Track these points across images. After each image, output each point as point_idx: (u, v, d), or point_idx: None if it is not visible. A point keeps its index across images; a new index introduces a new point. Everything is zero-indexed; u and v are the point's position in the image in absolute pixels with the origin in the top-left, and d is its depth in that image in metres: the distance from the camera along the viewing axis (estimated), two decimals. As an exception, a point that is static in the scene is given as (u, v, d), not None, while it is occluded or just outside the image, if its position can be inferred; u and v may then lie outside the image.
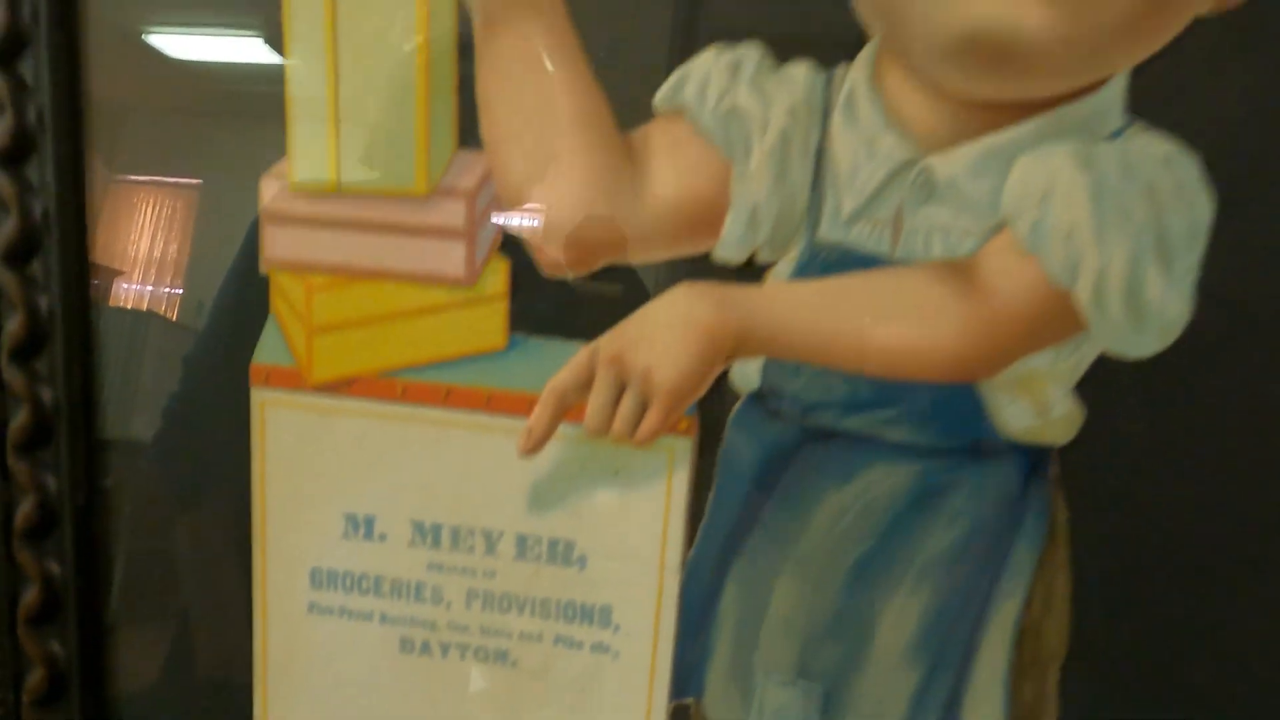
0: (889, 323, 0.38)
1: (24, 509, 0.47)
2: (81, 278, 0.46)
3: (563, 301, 0.41)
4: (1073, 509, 0.39)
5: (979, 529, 0.40)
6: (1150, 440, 0.38)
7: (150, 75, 0.46)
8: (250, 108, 0.44)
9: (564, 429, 0.41)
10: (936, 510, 0.40)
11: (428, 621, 0.46)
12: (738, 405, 0.41)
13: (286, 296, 0.44)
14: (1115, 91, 0.36)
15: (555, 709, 0.45)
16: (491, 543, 0.44)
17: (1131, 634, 0.40)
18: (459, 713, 0.46)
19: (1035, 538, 0.39)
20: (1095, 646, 0.40)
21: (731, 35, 0.39)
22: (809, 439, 0.41)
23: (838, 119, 0.38)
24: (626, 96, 0.40)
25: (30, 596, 0.48)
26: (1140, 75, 0.35)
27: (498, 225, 0.41)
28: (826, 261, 0.39)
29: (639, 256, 0.40)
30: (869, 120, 0.38)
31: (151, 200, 0.48)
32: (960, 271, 0.37)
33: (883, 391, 0.39)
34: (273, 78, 0.42)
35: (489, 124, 0.40)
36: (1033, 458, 0.39)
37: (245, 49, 0.45)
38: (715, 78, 0.38)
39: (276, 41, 0.42)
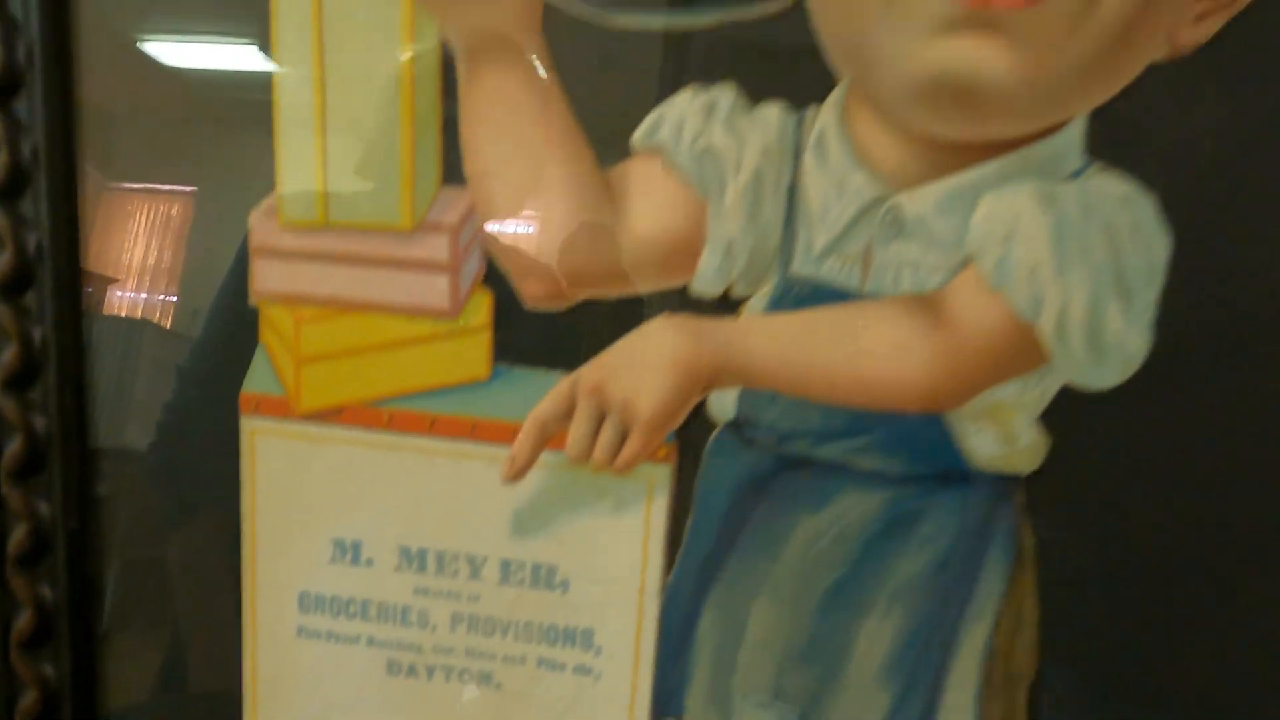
0: (860, 355, 0.39)
1: (17, 535, 0.48)
2: (74, 306, 0.47)
3: (544, 333, 0.43)
4: (1038, 535, 0.40)
5: (949, 554, 0.41)
6: (1112, 468, 0.39)
7: (145, 83, 0.47)
8: (245, 115, 0.44)
9: (546, 457, 0.42)
10: (907, 536, 0.41)
11: (414, 645, 0.47)
12: (715, 434, 0.42)
13: (275, 327, 0.45)
14: (1075, 133, 0.37)
15: (538, 730, 0.46)
16: (476, 567, 0.45)
17: (1098, 654, 0.41)
18: (444, 734, 0.47)
19: (1003, 563, 0.40)
20: (1062, 667, 0.41)
21: (712, 77, 0.40)
22: (784, 467, 0.42)
23: (809, 158, 0.40)
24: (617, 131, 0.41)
25: (23, 621, 0.49)
26: (1098, 118, 0.37)
27: (480, 259, 0.42)
28: (799, 295, 0.40)
29: (618, 290, 0.41)
30: (839, 160, 0.39)
31: (146, 208, 0.49)
32: (928, 306, 0.39)
33: (855, 421, 0.40)
34: (267, 85, 0.42)
35: (472, 162, 0.42)
36: (1000, 485, 0.40)
37: (240, 57, 0.45)
38: (690, 118, 0.40)
39: (270, 49, 0.42)
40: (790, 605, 0.42)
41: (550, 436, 0.42)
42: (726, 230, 0.40)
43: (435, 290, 0.43)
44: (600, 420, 0.41)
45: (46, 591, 0.49)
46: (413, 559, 0.46)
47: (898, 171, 0.39)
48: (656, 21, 0.39)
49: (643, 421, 0.40)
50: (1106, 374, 0.37)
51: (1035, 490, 0.40)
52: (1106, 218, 0.36)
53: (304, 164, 0.43)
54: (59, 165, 0.46)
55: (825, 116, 0.39)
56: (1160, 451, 0.39)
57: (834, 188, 0.39)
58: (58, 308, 0.47)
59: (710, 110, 0.39)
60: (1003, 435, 0.39)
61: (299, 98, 0.42)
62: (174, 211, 0.48)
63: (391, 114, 0.42)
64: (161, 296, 0.49)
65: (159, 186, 0.49)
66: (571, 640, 0.45)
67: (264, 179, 0.44)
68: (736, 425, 0.42)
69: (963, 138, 0.37)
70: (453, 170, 0.42)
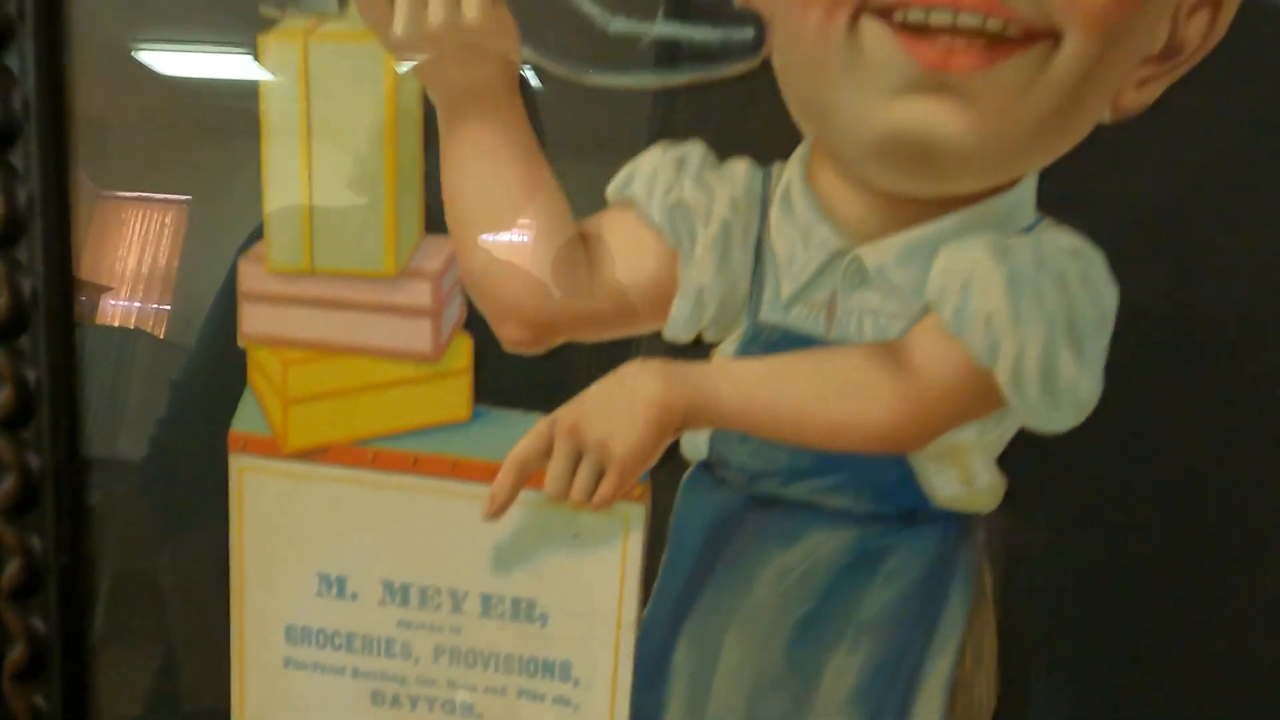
0: (826, 399, 0.41)
1: (10, 570, 0.49)
2: (69, 347, 0.49)
3: (523, 376, 0.44)
4: (997, 572, 0.42)
5: (913, 590, 0.42)
6: (1067, 509, 0.41)
7: (138, 91, 0.48)
8: (239, 124, 0.45)
9: (525, 495, 0.44)
10: (873, 572, 0.42)
11: (398, 676, 0.48)
12: (688, 473, 0.44)
13: (263, 369, 0.47)
14: (1027, 190, 0.39)
15: (519, 759, 0.48)
16: (458, 601, 0.47)
17: (1056, 688, 0.43)
18: (427, 763, 0.48)
19: (964, 598, 0.42)
20: (1022, 700, 0.42)
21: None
22: (754, 505, 0.43)
23: (775, 211, 0.41)
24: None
25: (16, 653, 0.50)
26: (1049, 176, 0.38)
27: (461, 305, 0.44)
28: (768, 341, 0.42)
29: (593, 335, 0.43)
30: (804, 213, 0.41)
31: (139, 216, 0.49)
32: (891, 352, 0.40)
33: (822, 462, 0.42)
34: (260, 95, 0.43)
35: (453, 211, 0.43)
36: (961, 524, 0.42)
37: (233, 65, 0.46)
38: (662, 172, 0.41)
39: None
40: (761, 638, 0.44)
41: (529, 475, 0.43)
42: (697, 279, 0.42)
43: (418, 334, 0.45)
44: (577, 460, 0.42)
45: (39, 625, 0.50)
46: (396, 593, 0.47)
47: (860, 224, 0.40)
48: (630, 81, 0.40)
49: (618, 461, 0.42)
50: (1060, 418, 0.39)
51: (994, 529, 0.41)
52: (1058, 269, 0.38)
53: (291, 212, 0.44)
54: (51, 147, 0.46)
55: (790, 172, 0.41)
56: (1112, 495, 0.40)
57: (800, 239, 0.41)
58: (50, 345, 0.48)
59: (681, 165, 0.41)
60: (963, 476, 0.41)
61: (286, 148, 0.44)
62: (167, 220, 0.49)
63: (376, 165, 0.43)
64: (155, 305, 0.50)
65: (152, 195, 0.50)
66: (550, 672, 0.47)
67: (257, 188, 0.44)
68: (709, 465, 0.44)
69: (921, 193, 0.39)
70: (434, 219, 0.44)
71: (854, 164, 0.39)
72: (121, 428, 0.50)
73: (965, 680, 0.42)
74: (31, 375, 0.48)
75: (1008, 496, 0.41)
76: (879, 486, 0.42)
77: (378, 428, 0.46)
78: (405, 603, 0.47)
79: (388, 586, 0.47)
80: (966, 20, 0.35)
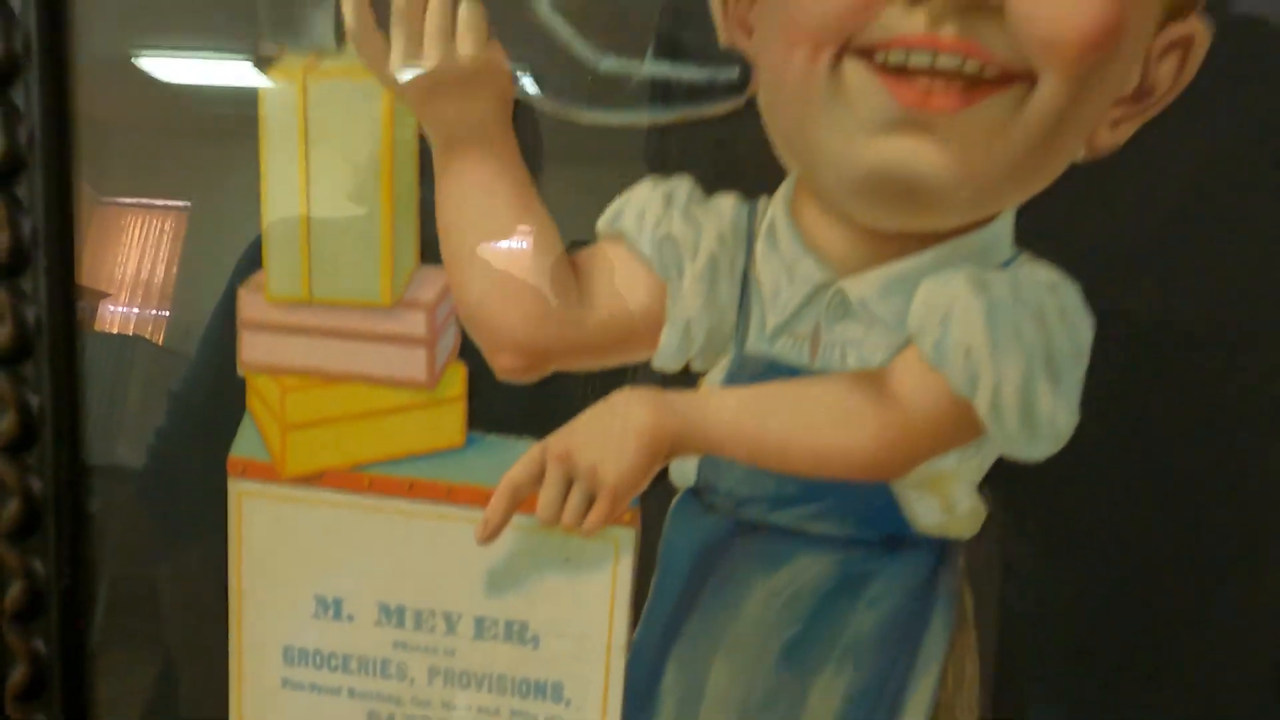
0: (810, 427, 0.42)
1: (12, 593, 0.50)
2: (72, 372, 0.50)
3: (515, 403, 0.45)
4: (977, 596, 0.43)
5: (896, 613, 0.43)
6: (1045, 535, 0.42)
7: (139, 97, 0.48)
8: (239, 130, 0.45)
9: (518, 519, 0.45)
10: (857, 596, 0.43)
11: (393, 697, 0.49)
12: (676, 499, 0.45)
13: (262, 396, 0.48)
14: (1005, 225, 0.40)
15: (511, 779, 0.48)
16: (452, 623, 0.48)
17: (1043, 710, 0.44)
18: (422, 782, 0.49)
19: (946, 622, 0.43)
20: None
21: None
22: (741, 531, 0.44)
23: (761, 245, 0.42)
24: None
25: (18, 675, 0.51)
26: (1026, 212, 0.40)
27: (455, 334, 0.45)
28: (754, 371, 0.43)
29: (583, 364, 0.44)
30: (788, 247, 0.42)
31: (139, 222, 0.50)
32: (873, 382, 0.41)
33: (807, 488, 0.43)
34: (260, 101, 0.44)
35: (447, 243, 0.44)
36: (942, 550, 0.43)
37: (234, 72, 0.47)
38: (651, 207, 0.42)
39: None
40: (748, 661, 0.45)
41: (522, 500, 0.44)
42: (685, 310, 0.43)
43: (413, 363, 0.46)
44: (569, 485, 0.43)
45: (40, 646, 0.51)
46: (392, 615, 0.48)
47: (843, 258, 0.41)
48: (619, 118, 0.42)
49: (609, 487, 0.43)
50: (1038, 447, 0.40)
51: (974, 555, 0.42)
52: (1035, 303, 0.39)
53: (290, 243, 0.45)
54: (54, 151, 0.47)
55: (776, 207, 0.42)
56: (1087, 523, 0.41)
57: (784, 272, 0.42)
58: (54, 374, 0.49)
59: (669, 199, 0.42)
60: (943, 503, 0.42)
61: (286, 181, 0.45)
62: (167, 226, 0.50)
63: (372, 199, 0.44)
64: (154, 311, 0.50)
65: (152, 201, 0.50)
66: (542, 693, 0.47)
67: (256, 193, 0.45)
68: (697, 491, 0.45)
69: (902, 228, 0.40)
70: (429, 250, 0.45)
71: (837, 199, 0.40)
72: (120, 435, 0.51)
73: (947, 702, 0.43)
74: (35, 400, 0.49)
75: (987, 523, 0.42)
76: (862, 513, 0.43)
77: (374, 453, 0.47)
78: (400, 624, 0.48)
79: (383, 608, 0.48)
80: (945, 62, 0.36)
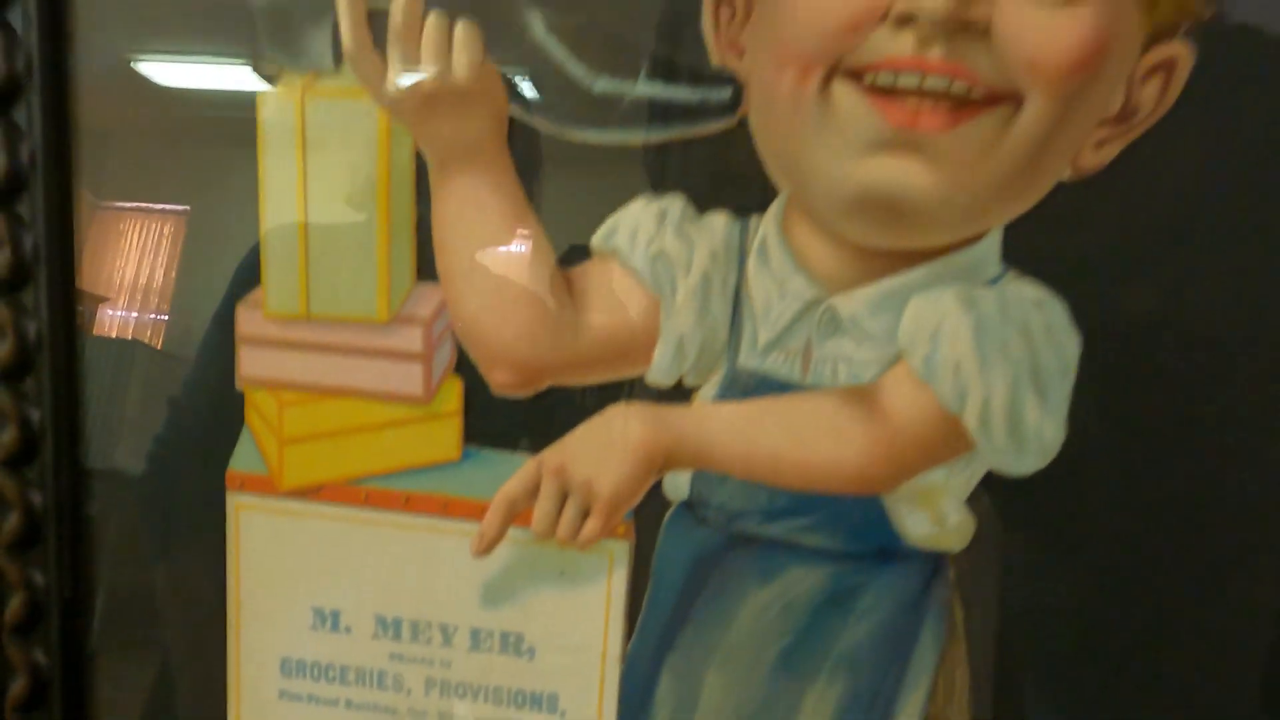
0: (801, 442, 0.42)
1: (13, 604, 0.51)
2: (73, 388, 0.50)
3: (511, 418, 0.46)
4: (967, 608, 0.43)
5: (887, 626, 0.44)
6: (1032, 549, 0.42)
7: (136, 101, 0.49)
8: (237, 134, 0.45)
9: (513, 532, 0.45)
10: (849, 608, 0.44)
11: (389, 708, 0.49)
12: (670, 512, 0.45)
13: (260, 410, 0.48)
14: (992, 243, 0.41)
15: (507, 789, 0.49)
16: (448, 635, 0.48)
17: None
18: (418, 793, 0.50)
19: (936, 633, 0.44)
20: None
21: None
22: (734, 543, 0.45)
23: (753, 262, 0.43)
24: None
25: (18, 686, 0.51)
26: (1013, 230, 0.40)
27: (451, 349, 0.46)
28: (746, 386, 0.43)
29: (577, 379, 0.45)
30: (780, 264, 0.42)
31: (138, 226, 0.50)
32: (864, 397, 0.42)
33: (798, 502, 0.43)
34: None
35: (443, 260, 0.45)
36: (932, 562, 0.43)
37: (231, 76, 0.47)
38: (644, 225, 0.43)
39: (263, 69, 0.45)
40: (741, 672, 0.45)
41: (517, 514, 0.45)
42: (678, 326, 0.43)
43: (410, 378, 0.46)
44: (563, 499, 0.44)
45: (40, 657, 0.52)
46: (388, 627, 0.49)
47: (833, 275, 0.42)
48: (612, 137, 0.42)
49: (603, 500, 0.43)
50: (1026, 461, 0.41)
51: (964, 567, 0.43)
52: (1023, 319, 0.40)
53: (288, 260, 0.46)
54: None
55: (767, 225, 0.43)
56: (1072, 537, 0.42)
57: (776, 289, 0.43)
58: (54, 389, 0.49)
59: (662, 217, 0.43)
60: (933, 516, 0.43)
61: (284, 199, 0.46)
62: (166, 230, 0.50)
63: (369, 216, 0.45)
64: (153, 315, 0.50)
65: (151, 205, 0.50)
66: (538, 704, 0.48)
67: (254, 197, 0.46)
68: (690, 504, 0.45)
69: (891, 246, 0.41)
70: (426, 267, 0.45)
71: (827, 218, 0.41)
72: (120, 441, 0.51)
73: (938, 713, 0.44)
74: (35, 415, 0.49)
75: (976, 536, 0.42)
76: (853, 526, 0.43)
77: (371, 467, 0.47)
78: (397, 636, 0.49)
79: (380, 621, 0.49)
80: (933, 83, 0.37)
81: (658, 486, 0.45)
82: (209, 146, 0.49)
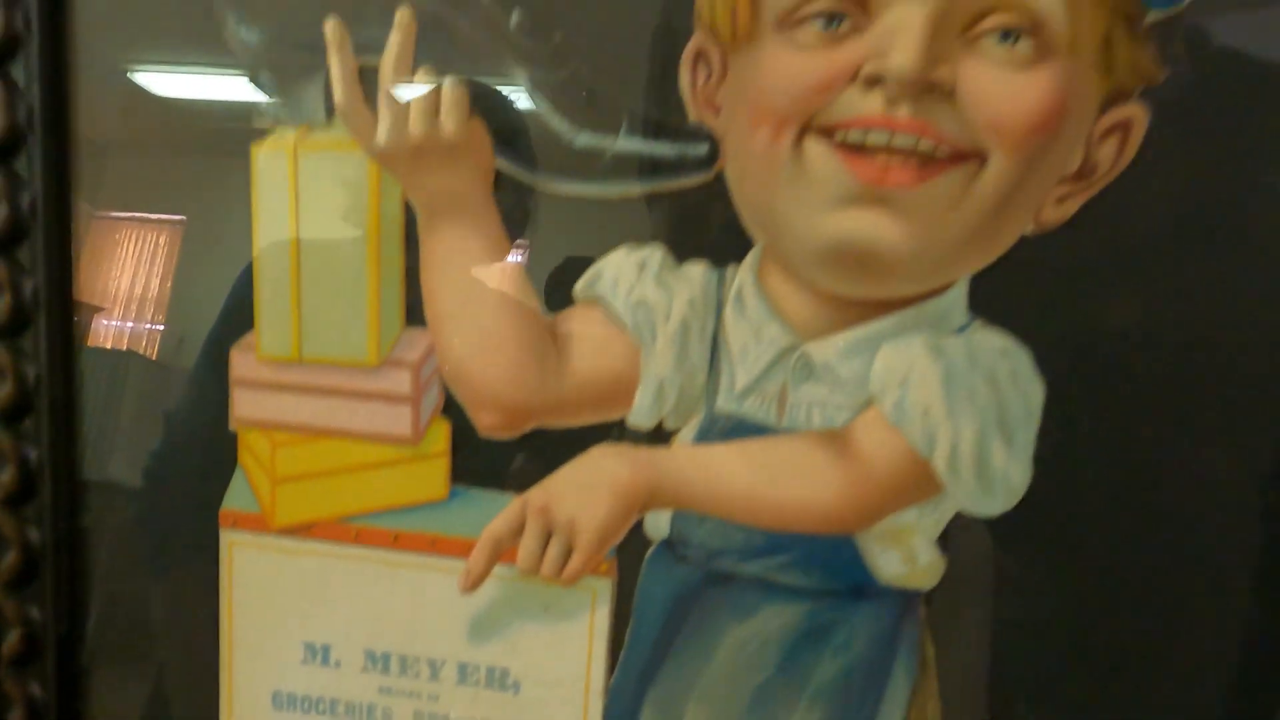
0: (777, 483, 0.44)
1: (10, 640, 0.52)
2: (70, 429, 0.51)
3: (497, 459, 0.47)
4: (938, 644, 0.45)
5: (860, 661, 0.45)
6: (1000, 586, 0.44)
7: (132, 112, 0.49)
8: (233, 144, 0.46)
9: (499, 569, 0.46)
10: (824, 644, 0.45)
11: (379, 740, 0.51)
12: (651, 550, 0.47)
13: (253, 450, 0.49)
14: (959, 293, 0.42)
15: (493, 820, 0.50)
16: (436, 670, 0.49)
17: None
18: (406, 824, 0.51)
19: (909, 669, 0.45)
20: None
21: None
22: (713, 581, 0.46)
23: (730, 310, 0.44)
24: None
25: (15, 718, 0.52)
26: (979, 281, 0.42)
27: (439, 392, 0.47)
28: (724, 429, 0.45)
29: (561, 422, 0.46)
30: (756, 312, 0.44)
31: (134, 237, 0.51)
32: (837, 440, 0.43)
33: (774, 541, 0.45)
34: (256, 116, 0.46)
35: (431, 306, 0.46)
36: (905, 600, 0.45)
37: (227, 87, 0.48)
38: (625, 273, 0.44)
39: (260, 80, 0.46)
40: (721, 705, 0.47)
41: (503, 551, 0.46)
42: (658, 371, 0.45)
43: (399, 419, 0.48)
44: (547, 537, 0.45)
45: (37, 690, 0.53)
46: (377, 661, 0.50)
47: (808, 323, 0.43)
48: (594, 190, 0.44)
49: (586, 539, 0.44)
50: (993, 503, 0.42)
51: (935, 605, 0.44)
52: (989, 366, 0.41)
53: (281, 305, 0.47)
54: (52, 167, 0.48)
55: (743, 274, 0.44)
56: (1038, 579, 0.43)
57: (752, 336, 0.44)
58: (53, 410, 0.50)
59: (642, 266, 0.44)
60: (904, 555, 0.44)
61: (277, 247, 0.47)
62: (162, 240, 0.51)
63: (360, 264, 0.47)
64: (148, 325, 0.51)
65: (147, 215, 0.51)
66: (523, 737, 0.49)
67: (250, 208, 0.46)
68: (670, 543, 0.47)
69: (862, 296, 0.42)
70: (414, 312, 0.47)
71: (801, 268, 0.42)
72: (114, 451, 0.52)
73: (911, 746, 0.45)
74: (34, 455, 0.50)
75: (947, 574, 0.44)
76: (828, 564, 0.45)
77: (361, 506, 0.49)
78: (386, 670, 0.50)
79: (369, 655, 0.50)
80: (901, 141, 0.38)
81: (639, 525, 0.46)
82: (205, 157, 0.49)
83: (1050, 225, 0.41)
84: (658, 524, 0.46)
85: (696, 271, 0.45)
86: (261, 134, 0.46)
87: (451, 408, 0.47)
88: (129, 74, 0.49)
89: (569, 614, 0.48)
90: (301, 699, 0.51)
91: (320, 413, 0.48)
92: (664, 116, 0.43)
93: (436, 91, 0.44)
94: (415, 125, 0.44)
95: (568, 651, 0.48)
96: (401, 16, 0.44)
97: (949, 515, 0.43)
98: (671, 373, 0.45)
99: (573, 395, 0.46)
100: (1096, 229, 0.40)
